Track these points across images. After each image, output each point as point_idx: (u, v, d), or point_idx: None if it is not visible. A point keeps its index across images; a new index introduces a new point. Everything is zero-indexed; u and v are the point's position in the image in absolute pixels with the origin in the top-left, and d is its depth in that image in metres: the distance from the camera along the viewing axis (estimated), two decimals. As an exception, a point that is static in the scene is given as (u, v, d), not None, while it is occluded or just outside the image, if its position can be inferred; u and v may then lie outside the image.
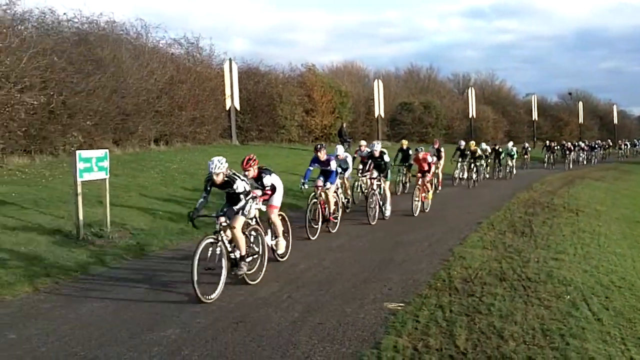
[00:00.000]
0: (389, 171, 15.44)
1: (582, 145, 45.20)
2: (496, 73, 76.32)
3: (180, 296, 7.90)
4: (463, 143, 24.92)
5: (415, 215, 15.46)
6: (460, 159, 24.52)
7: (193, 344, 6.23)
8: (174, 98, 24.18)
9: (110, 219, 11.57)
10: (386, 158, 15.30)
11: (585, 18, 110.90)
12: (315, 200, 12.49)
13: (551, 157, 38.20)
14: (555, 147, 39.78)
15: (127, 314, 7.17)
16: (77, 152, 11.12)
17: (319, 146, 13.08)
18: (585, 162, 43.03)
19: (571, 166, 38.11)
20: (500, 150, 29.43)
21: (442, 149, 23.22)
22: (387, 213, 14.94)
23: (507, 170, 28.96)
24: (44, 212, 11.92)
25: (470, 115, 49.97)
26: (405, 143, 20.98)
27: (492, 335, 6.60)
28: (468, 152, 24.64)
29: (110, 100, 20.05)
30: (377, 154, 15.16)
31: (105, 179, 11.61)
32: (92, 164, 11.25)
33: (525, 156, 36.63)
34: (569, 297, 8.28)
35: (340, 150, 14.66)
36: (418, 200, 15.92)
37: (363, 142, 19.08)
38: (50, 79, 17.14)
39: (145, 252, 10.67)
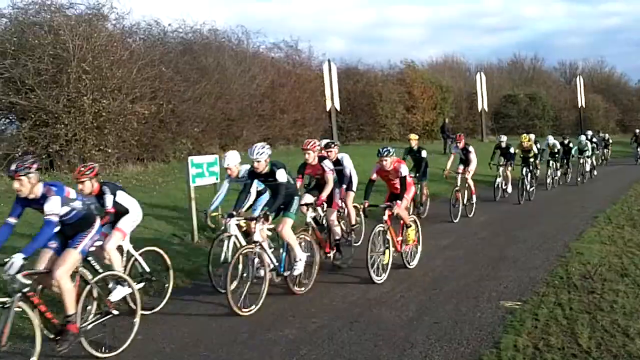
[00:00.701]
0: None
1: None
2: (605, 60, 72.48)
3: (294, 296, 7.94)
4: (504, 138, 18.26)
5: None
6: (503, 161, 17.69)
7: (310, 343, 6.24)
8: (276, 101, 24.58)
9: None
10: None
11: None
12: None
13: None
14: None
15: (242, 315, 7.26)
16: (190, 158, 11.45)
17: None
18: None
19: None
20: (571, 144, 22.59)
21: (472, 149, 15.42)
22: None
23: (581, 172, 22.23)
24: (159, 217, 12.32)
25: (579, 105, 47.84)
26: (414, 139, 15.01)
27: (616, 333, 6.27)
28: (516, 151, 18.01)
29: (216, 107, 20.62)
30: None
31: (216, 183, 11.89)
32: (204, 169, 11.57)
33: (606, 150, 31.66)
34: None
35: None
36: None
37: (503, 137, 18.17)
38: (159, 88, 17.83)
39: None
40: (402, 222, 9.31)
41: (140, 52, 17.88)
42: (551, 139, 21.61)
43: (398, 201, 8.93)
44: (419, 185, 13.88)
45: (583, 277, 8.50)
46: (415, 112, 34.91)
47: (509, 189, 17.78)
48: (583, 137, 23.88)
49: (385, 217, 8.76)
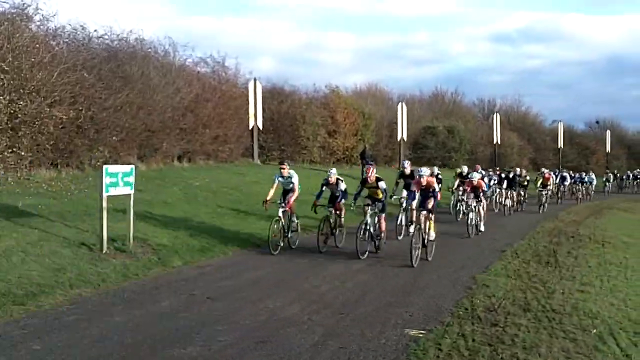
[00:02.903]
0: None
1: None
2: (522, 99, 75.35)
3: (200, 314, 7.89)
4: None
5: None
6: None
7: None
8: (199, 116, 24.41)
9: (133, 234, 11.64)
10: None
11: (615, 44, 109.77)
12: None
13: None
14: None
15: (149, 329, 7.17)
16: (104, 166, 11.22)
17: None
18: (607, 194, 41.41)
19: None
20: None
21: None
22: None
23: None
24: (69, 225, 12.01)
25: (494, 142, 49.70)
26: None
27: (516, 366, 6.48)
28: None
29: (137, 117, 20.29)
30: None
31: (130, 194, 11.69)
32: (118, 179, 11.36)
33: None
34: (595, 330, 8.10)
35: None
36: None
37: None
38: (79, 94, 17.41)
39: (166, 268, 10.72)
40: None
41: (63, 55, 17.43)
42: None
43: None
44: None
45: (487, 310, 8.73)
46: (337, 137, 35.35)
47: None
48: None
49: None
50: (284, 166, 13.48)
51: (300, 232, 13.94)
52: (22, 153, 15.71)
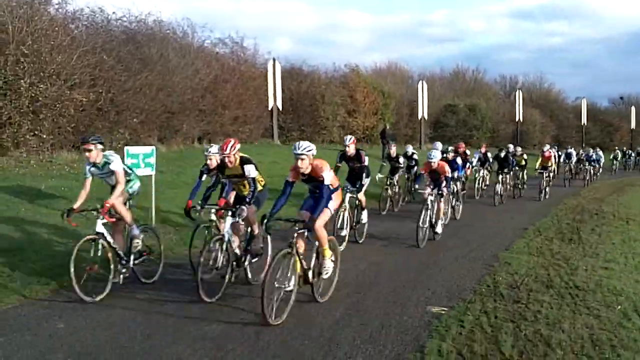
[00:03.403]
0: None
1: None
2: (545, 76, 74.66)
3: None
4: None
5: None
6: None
7: (236, 339, 6.25)
8: (218, 97, 24.37)
9: (155, 214, 11.69)
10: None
11: (637, 21, 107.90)
12: None
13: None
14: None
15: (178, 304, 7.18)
16: (125, 148, 11.28)
17: None
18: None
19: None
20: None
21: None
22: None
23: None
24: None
25: (516, 119, 49.14)
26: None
27: (538, 343, 6.45)
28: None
29: (156, 98, 20.32)
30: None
31: (151, 175, 11.74)
32: (139, 160, 11.41)
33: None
34: (619, 307, 8.03)
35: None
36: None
37: None
38: (99, 76, 17.50)
39: (186, 248, 10.76)
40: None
41: (81, 38, 17.53)
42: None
43: None
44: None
45: (509, 287, 8.71)
46: (357, 116, 35.17)
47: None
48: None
49: None
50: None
51: None
52: (44, 136, 15.91)
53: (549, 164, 22.31)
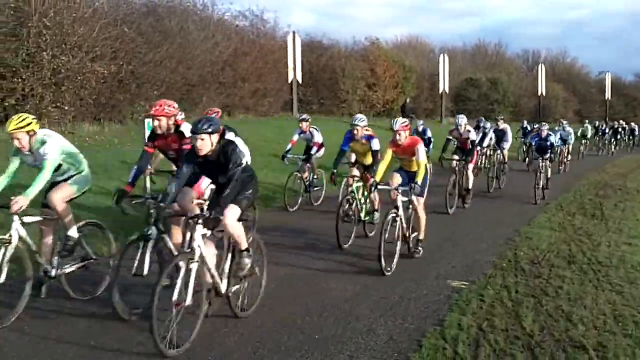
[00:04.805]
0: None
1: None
2: (568, 50, 73.46)
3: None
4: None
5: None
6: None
7: (255, 310, 6.26)
8: (237, 70, 24.40)
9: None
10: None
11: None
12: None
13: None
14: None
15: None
16: (146, 120, 11.29)
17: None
18: None
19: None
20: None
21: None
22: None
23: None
24: (113, 177, 12.19)
25: (539, 93, 48.55)
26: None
27: (560, 318, 6.39)
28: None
29: (176, 71, 20.39)
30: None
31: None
32: (160, 133, 11.38)
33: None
34: (643, 283, 7.97)
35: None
36: None
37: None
38: (120, 49, 17.56)
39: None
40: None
41: (103, 10, 17.59)
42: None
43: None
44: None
45: (531, 262, 8.63)
46: (377, 90, 34.99)
47: None
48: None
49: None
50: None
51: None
52: (66, 108, 16.04)
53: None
